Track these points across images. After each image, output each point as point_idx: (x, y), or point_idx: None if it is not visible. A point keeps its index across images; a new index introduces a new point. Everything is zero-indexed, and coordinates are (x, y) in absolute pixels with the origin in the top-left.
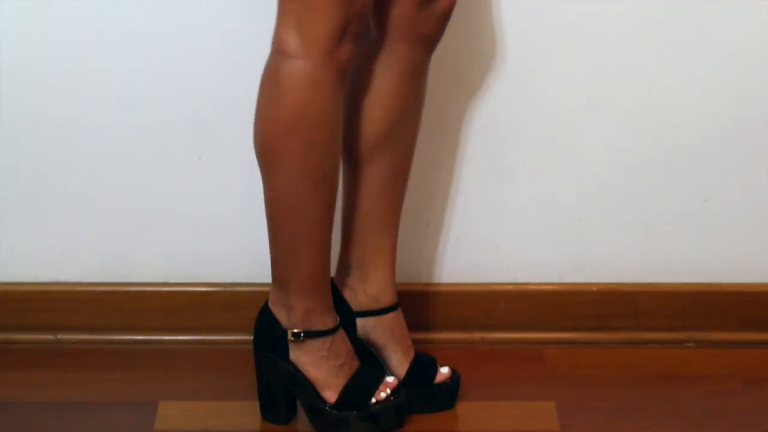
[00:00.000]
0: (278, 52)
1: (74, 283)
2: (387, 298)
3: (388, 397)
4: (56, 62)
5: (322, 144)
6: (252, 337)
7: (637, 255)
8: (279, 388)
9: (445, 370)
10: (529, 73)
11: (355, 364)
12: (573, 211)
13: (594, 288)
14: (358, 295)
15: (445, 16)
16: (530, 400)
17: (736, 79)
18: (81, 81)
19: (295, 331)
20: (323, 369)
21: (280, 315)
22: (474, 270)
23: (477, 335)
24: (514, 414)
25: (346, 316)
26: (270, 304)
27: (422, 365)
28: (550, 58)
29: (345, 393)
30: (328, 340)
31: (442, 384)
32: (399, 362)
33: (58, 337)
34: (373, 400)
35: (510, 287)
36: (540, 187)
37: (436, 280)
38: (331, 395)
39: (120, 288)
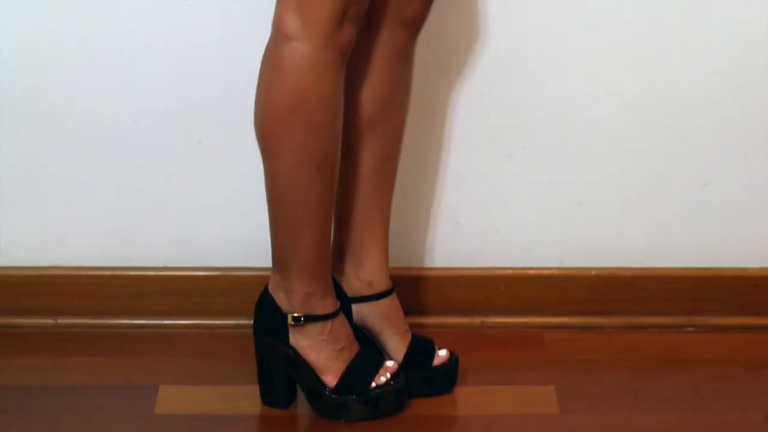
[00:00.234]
0: (278, 34)
1: (74, 267)
2: (381, 283)
3: (387, 381)
4: (56, 47)
5: (323, 127)
6: (252, 322)
7: (636, 239)
8: (279, 372)
9: (443, 353)
10: (530, 58)
11: (355, 348)
12: (573, 195)
13: (594, 272)
14: (351, 281)
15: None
16: (530, 385)
17: (737, 64)
18: (80, 66)
19: (295, 315)
20: (323, 353)
21: (280, 299)
22: (474, 254)
23: (477, 320)
24: (513, 398)
25: (341, 303)
26: (270, 289)
27: (420, 349)
28: (550, 42)
29: (345, 377)
30: (328, 324)
31: (441, 367)
32: (396, 347)
33: (59, 321)
34: (373, 384)
35: (510, 272)
36: (540, 171)
37: (435, 265)
38: (331, 379)
39: (120, 272)
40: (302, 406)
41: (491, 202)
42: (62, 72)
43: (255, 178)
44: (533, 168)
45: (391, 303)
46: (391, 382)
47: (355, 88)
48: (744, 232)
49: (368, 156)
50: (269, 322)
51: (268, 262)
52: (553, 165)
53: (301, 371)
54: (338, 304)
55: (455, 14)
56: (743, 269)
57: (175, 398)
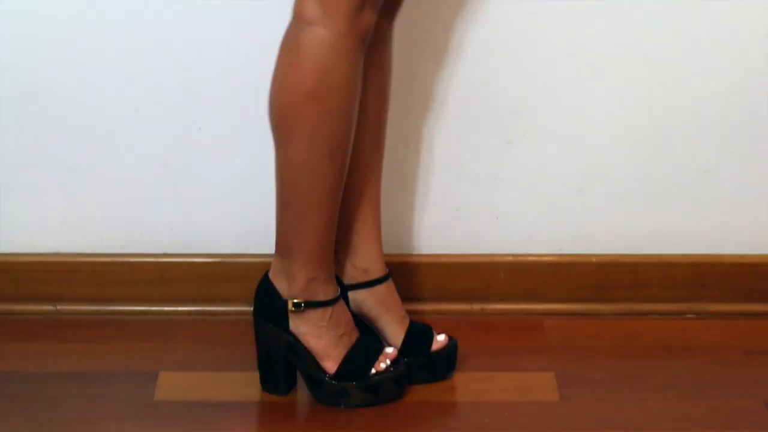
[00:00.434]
0: (299, 19)
1: (74, 254)
2: (376, 269)
3: (387, 368)
4: (56, 34)
5: (339, 113)
6: (251, 308)
7: (637, 226)
8: (279, 359)
9: (441, 338)
10: (530, 44)
11: (355, 335)
12: (573, 182)
13: (594, 259)
14: (347, 269)
15: None
16: (530, 371)
17: (738, 51)
18: (80, 53)
19: (296, 301)
20: (323, 339)
21: (281, 285)
22: (474, 241)
23: (477, 306)
24: (513, 385)
25: None
26: (271, 275)
27: (418, 334)
28: (549, 29)
29: (345, 363)
30: (328, 310)
31: (440, 351)
32: (394, 332)
33: (58, 307)
34: (373, 371)
35: (510, 258)
36: (540, 158)
37: (435, 252)
38: (331, 366)
39: (120, 259)
40: (302, 393)
41: (491, 189)
42: (62, 59)
43: (254, 165)
44: (533, 155)
45: (387, 289)
46: (391, 369)
47: None
48: (744, 219)
49: (354, 144)
50: (269, 308)
51: (267, 249)
52: (554, 152)
53: (300, 358)
54: (339, 290)
55: (455, 1)
56: (743, 256)
57: (174, 385)
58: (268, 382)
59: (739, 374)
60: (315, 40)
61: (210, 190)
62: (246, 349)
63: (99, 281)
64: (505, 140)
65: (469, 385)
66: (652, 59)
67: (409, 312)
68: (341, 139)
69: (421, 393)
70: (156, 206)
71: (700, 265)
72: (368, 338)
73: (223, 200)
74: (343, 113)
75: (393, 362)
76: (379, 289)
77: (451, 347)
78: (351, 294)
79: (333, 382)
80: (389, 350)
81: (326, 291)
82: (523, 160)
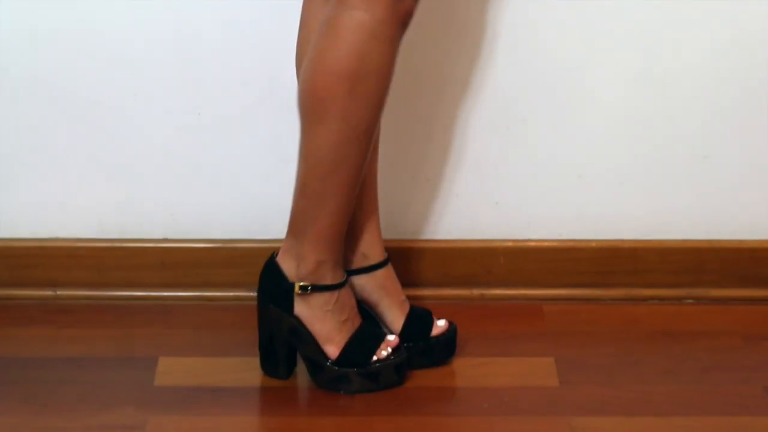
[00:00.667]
0: (340, 2)
1: (74, 239)
2: (375, 254)
3: (388, 355)
4: (56, 19)
5: (372, 97)
6: (252, 292)
7: (636, 212)
8: (280, 341)
9: (441, 323)
10: (529, 30)
11: (358, 321)
12: (573, 167)
13: (594, 244)
14: (346, 254)
15: None
16: (529, 357)
17: (737, 36)
18: (80, 36)
19: (303, 284)
20: (327, 324)
21: (290, 266)
22: (474, 227)
23: (476, 292)
24: (513, 370)
25: None
26: (279, 256)
27: (418, 319)
28: (549, 14)
29: (347, 349)
30: (335, 294)
31: (440, 336)
32: (394, 317)
33: (58, 293)
34: (374, 358)
35: (510, 244)
36: (540, 143)
37: (435, 237)
38: (333, 351)
39: (119, 244)
40: (302, 378)
41: (491, 175)
42: (62, 44)
43: (254, 149)
44: (533, 140)
45: (387, 274)
46: (392, 357)
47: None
48: (743, 204)
49: None
50: (274, 290)
51: (267, 234)
52: (553, 137)
53: (303, 341)
54: (346, 276)
55: None
56: (743, 241)
57: (174, 370)
58: (268, 365)
59: (739, 359)
60: (355, 25)
61: (210, 175)
62: (246, 335)
63: (98, 266)
64: (505, 126)
65: (468, 370)
66: (652, 45)
67: (409, 297)
68: (370, 123)
69: (420, 378)
70: (155, 191)
71: (699, 251)
72: (371, 325)
73: (222, 185)
74: (377, 98)
75: (394, 350)
76: (379, 274)
77: (451, 332)
78: (351, 279)
79: (334, 367)
80: (391, 338)
81: (334, 275)
82: (523, 146)
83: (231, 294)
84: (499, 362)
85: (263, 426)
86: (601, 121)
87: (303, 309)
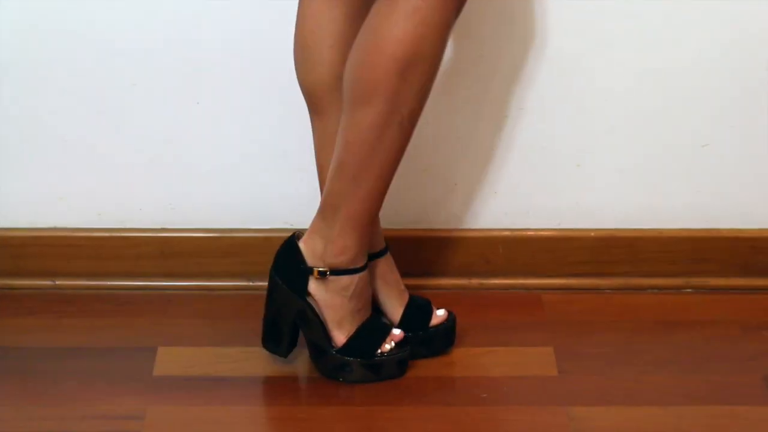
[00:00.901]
0: None
1: (73, 229)
2: (374, 244)
3: (392, 349)
4: (55, 8)
5: (420, 83)
6: (252, 282)
7: (635, 201)
8: (286, 321)
9: (441, 312)
10: (528, 19)
11: (369, 313)
12: (572, 157)
13: (592, 234)
14: None
15: None
16: (528, 346)
17: (736, 24)
18: (78, 27)
19: (321, 269)
20: (342, 309)
21: (314, 248)
22: (472, 216)
23: (475, 281)
24: (512, 360)
25: None
26: (305, 237)
27: (417, 309)
28: (549, 5)
29: (354, 338)
30: (354, 278)
31: (439, 326)
32: (393, 307)
33: (57, 283)
34: (379, 351)
35: (508, 233)
36: (538, 133)
37: (434, 226)
38: (340, 338)
39: (118, 234)
40: (302, 368)
41: (489, 164)
42: (61, 33)
43: (254, 139)
44: (532, 129)
45: (386, 263)
46: (395, 352)
47: (320, 45)
48: (742, 193)
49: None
50: (290, 271)
51: (267, 224)
52: (552, 126)
53: (310, 325)
54: (366, 261)
55: None
56: (742, 230)
57: (173, 360)
58: (270, 341)
59: (738, 349)
60: (411, 9)
61: (209, 165)
62: (245, 324)
63: (98, 256)
64: (504, 115)
65: (467, 359)
66: (651, 35)
67: (408, 287)
68: (415, 109)
69: (420, 368)
70: (155, 181)
71: (698, 240)
72: (378, 318)
73: (222, 175)
74: (425, 84)
75: (398, 344)
76: (378, 263)
77: (450, 322)
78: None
79: (337, 354)
80: (396, 332)
81: (356, 261)
82: (522, 135)
83: (230, 284)
84: (498, 352)
85: (263, 416)
86: (600, 111)
87: (319, 292)
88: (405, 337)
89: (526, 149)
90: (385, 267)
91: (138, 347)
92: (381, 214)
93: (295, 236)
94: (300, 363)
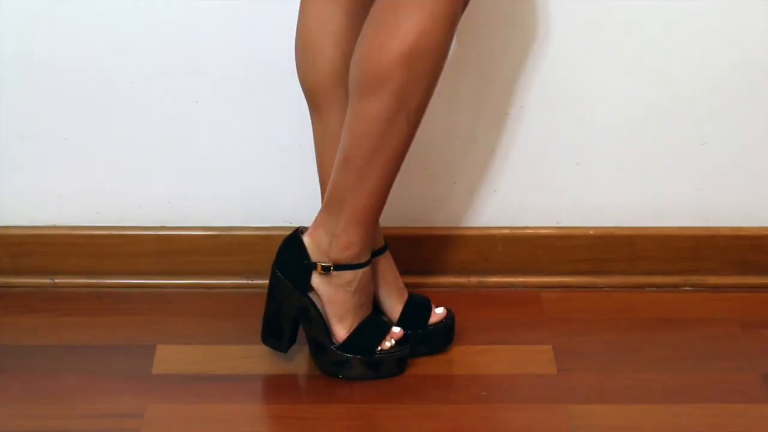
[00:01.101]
0: None
1: (71, 226)
2: (374, 241)
3: (392, 347)
4: (53, 6)
5: (427, 75)
6: (251, 280)
7: (634, 199)
8: (288, 317)
9: (439, 311)
10: (528, 18)
11: (370, 309)
12: (571, 155)
13: (591, 232)
14: None
15: None
16: (527, 344)
17: (735, 23)
18: (77, 25)
19: (325, 264)
20: (345, 304)
21: (319, 243)
22: (471, 214)
23: (474, 279)
24: (511, 358)
25: None
26: (309, 232)
27: (416, 307)
28: (548, 2)
29: (355, 335)
30: (358, 273)
31: (438, 324)
32: (392, 305)
33: (56, 281)
34: (378, 348)
35: (507, 231)
36: (538, 131)
37: (433, 224)
38: (341, 333)
39: (117, 232)
40: (301, 366)
41: (489, 162)
42: (60, 31)
43: (253, 137)
44: (531, 127)
45: (385, 261)
46: (395, 350)
47: (322, 42)
48: (741, 191)
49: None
50: (293, 266)
51: (266, 222)
52: (551, 125)
53: (311, 321)
54: (370, 257)
55: None
56: (741, 228)
57: (172, 358)
58: (270, 337)
59: (736, 347)
60: (416, 2)
61: (208, 163)
62: (244, 322)
63: (97, 254)
64: (503, 113)
65: (466, 358)
66: (650, 32)
67: (407, 285)
68: (421, 102)
69: (418, 366)
70: (154, 179)
71: (697, 238)
72: (379, 315)
73: (221, 173)
74: (432, 76)
75: (398, 342)
76: (377, 261)
77: (448, 320)
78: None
79: (338, 351)
80: (396, 330)
81: (361, 256)
82: (521, 132)
83: (229, 282)
84: (496, 350)
85: (262, 413)
86: (600, 109)
87: (323, 286)
88: (405, 335)
89: (525, 147)
90: (385, 265)
91: (137, 345)
92: None
93: (299, 231)
94: (299, 361)
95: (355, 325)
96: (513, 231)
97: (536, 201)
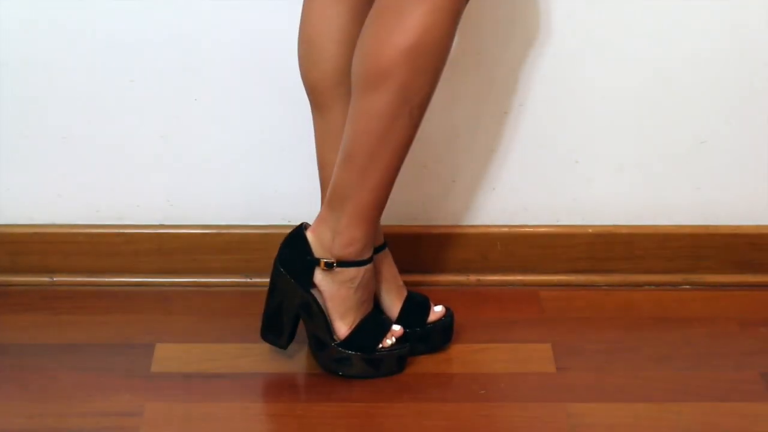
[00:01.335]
0: None
1: (70, 225)
2: None
3: (392, 345)
4: (52, 4)
5: (430, 71)
6: (250, 278)
7: (633, 197)
8: (289, 313)
9: (438, 309)
10: (527, 15)
11: (371, 307)
12: (569, 153)
13: (590, 230)
14: None
15: None
16: (526, 343)
17: (734, 20)
18: (76, 23)
19: (327, 260)
20: (347, 301)
21: (322, 239)
22: (470, 212)
23: (473, 278)
24: (509, 356)
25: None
26: (312, 228)
27: (415, 305)
28: (549, 2)
29: (356, 332)
30: (361, 270)
31: (437, 322)
32: (391, 302)
33: (55, 279)
34: (379, 346)
35: (506, 230)
36: (537, 129)
37: (432, 223)
38: (343, 330)
39: (116, 230)
40: (299, 364)
41: (487, 161)
42: (58, 29)
43: (251, 135)
44: (530, 126)
45: (384, 258)
46: (395, 348)
47: (324, 40)
48: (740, 189)
49: (346, 112)
50: (295, 263)
51: (264, 220)
52: (550, 123)
53: (313, 317)
54: (372, 253)
55: None
56: (740, 227)
57: (171, 356)
58: (270, 333)
59: (735, 345)
60: None
61: (207, 161)
62: (243, 321)
63: (95, 253)
64: (502, 111)
65: (465, 356)
66: (650, 31)
67: (406, 283)
68: (424, 98)
69: (418, 364)
70: (153, 177)
71: (696, 236)
72: (380, 313)
73: (220, 171)
74: (434, 72)
75: (398, 340)
76: (377, 258)
77: (447, 318)
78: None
79: (338, 348)
80: (396, 328)
81: (364, 253)
82: (520, 131)
83: (228, 280)
84: (495, 348)
85: (261, 412)
86: (599, 107)
87: (325, 283)
88: (405, 333)
89: (524, 146)
90: (384, 263)
91: (136, 344)
92: None
93: (303, 227)
94: (298, 360)
95: (356, 322)
96: (512, 229)
97: (535, 199)
